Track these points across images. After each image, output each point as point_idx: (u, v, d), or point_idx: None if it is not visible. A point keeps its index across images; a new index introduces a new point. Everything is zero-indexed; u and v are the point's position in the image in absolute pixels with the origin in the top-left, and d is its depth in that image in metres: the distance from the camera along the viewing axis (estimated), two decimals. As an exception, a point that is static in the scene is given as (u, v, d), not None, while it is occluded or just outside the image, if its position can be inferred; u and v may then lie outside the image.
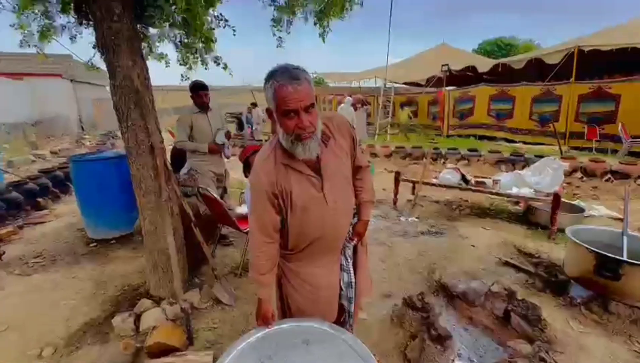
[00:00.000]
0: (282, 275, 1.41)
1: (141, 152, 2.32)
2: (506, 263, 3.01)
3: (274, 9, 2.91)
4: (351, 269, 1.44)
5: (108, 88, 2.43)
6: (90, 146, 11.68)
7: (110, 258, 3.39)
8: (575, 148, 8.48)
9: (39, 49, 2.72)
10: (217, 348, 2.05)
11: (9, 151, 9.81)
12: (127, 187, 2.73)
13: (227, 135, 3.65)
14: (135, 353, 2.03)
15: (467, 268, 2.96)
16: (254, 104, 13.10)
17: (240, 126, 14.12)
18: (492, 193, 4.10)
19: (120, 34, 2.12)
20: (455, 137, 11.99)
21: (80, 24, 2.51)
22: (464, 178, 4.33)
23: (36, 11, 2.47)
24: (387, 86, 14.28)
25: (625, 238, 2.43)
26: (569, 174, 5.92)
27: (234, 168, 4.27)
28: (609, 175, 5.84)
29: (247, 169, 2.45)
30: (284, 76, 1.05)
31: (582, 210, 3.95)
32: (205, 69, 3.24)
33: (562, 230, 3.08)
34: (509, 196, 3.99)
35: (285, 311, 1.46)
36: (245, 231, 2.80)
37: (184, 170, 3.62)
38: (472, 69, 12.31)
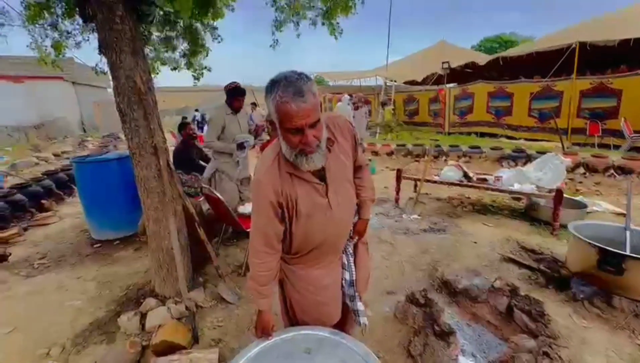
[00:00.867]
0: (284, 277, 1.40)
1: (144, 153, 2.33)
2: (509, 259, 3.01)
3: (276, 10, 2.93)
4: (353, 267, 1.44)
5: (109, 90, 2.47)
6: (92, 147, 11.72)
7: (115, 259, 3.41)
8: (578, 144, 8.44)
9: (56, 64, 2.81)
10: (221, 346, 2.08)
11: (12, 153, 9.86)
12: (130, 188, 2.76)
13: (256, 129, 3.73)
14: (141, 351, 2.05)
15: (469, 265, 2.97)
16: (254, 104, 13.10)
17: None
18: (494, 190, 4.09)
19: (123, 36, 2.14)
20: (457, 134, 11.97)
21: (85, 22, 2.54)
22: (465, 174, 4.32)
23: (45, 26, 2.51)
24: (387, 84, 14.24)
25: (628, 232, 2.43)
26: (571, 170, 5.91)
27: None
28: (612, 171, 5.82)
29: None
30: (287, 92, 0.98)
31: (584, 206, 3.94)
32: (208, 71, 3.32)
33: (564, 226, 3.08)
34: (511, 192, 3.98)
35: (289, 313, 1.46)
36: (248, 230, 2.80)
37: (209, 171, 3.65)
38: (472, 65, 12.26)
